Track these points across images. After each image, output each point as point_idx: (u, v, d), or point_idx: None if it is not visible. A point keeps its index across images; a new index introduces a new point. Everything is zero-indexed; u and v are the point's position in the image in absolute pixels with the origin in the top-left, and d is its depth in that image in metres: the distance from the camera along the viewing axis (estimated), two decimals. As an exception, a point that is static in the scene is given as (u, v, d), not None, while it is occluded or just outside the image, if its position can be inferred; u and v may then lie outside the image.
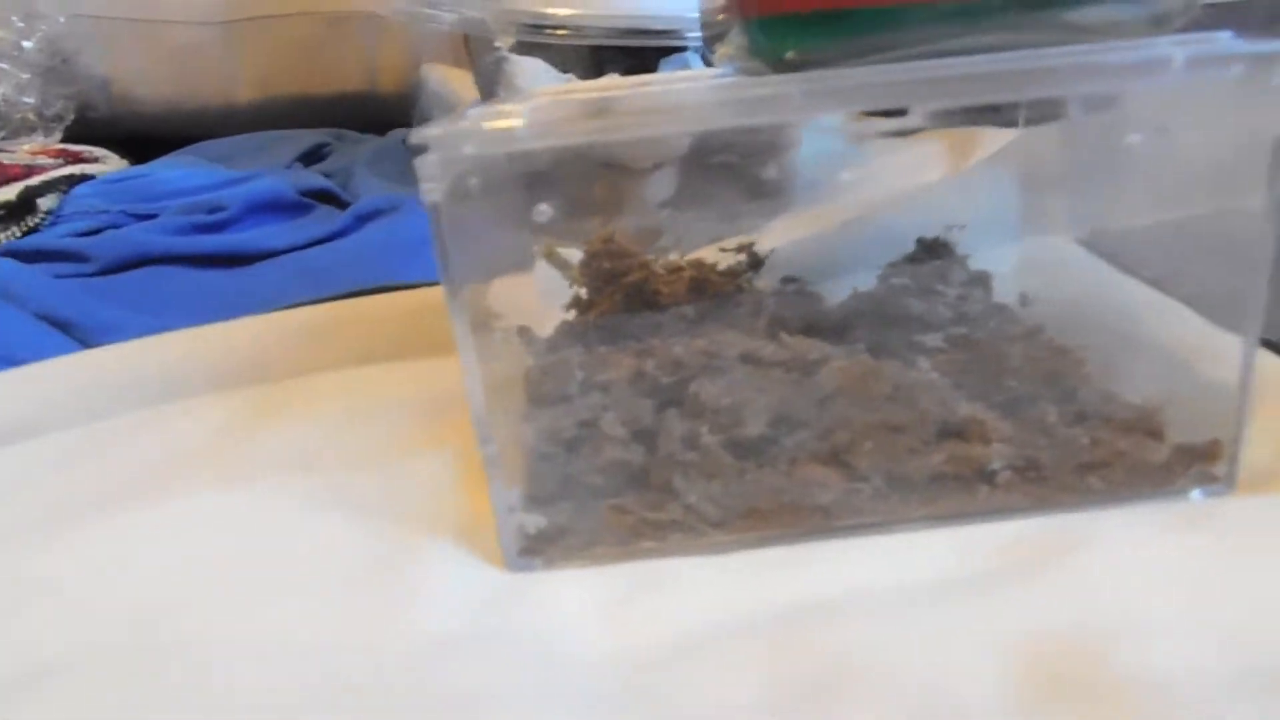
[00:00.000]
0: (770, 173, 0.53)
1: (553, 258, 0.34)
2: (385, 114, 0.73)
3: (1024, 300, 0.36)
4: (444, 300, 0.25)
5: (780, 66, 0.24)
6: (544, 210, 0.28)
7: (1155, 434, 0.28)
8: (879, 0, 0.23)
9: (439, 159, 0.22)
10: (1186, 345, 0.33)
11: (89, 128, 0.71)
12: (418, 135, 0.22)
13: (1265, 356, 0.34)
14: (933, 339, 0.32)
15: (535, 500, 0.27)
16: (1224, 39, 0.23)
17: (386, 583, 0.25)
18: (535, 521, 0.26)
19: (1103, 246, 0.42)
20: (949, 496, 0.27)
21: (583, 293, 0.34)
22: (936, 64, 0.23)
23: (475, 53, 0.49)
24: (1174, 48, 0.22)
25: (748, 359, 0.29)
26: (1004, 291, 0.36)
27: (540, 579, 0.25)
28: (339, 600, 0.25)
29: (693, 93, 0.25)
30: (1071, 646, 0.21)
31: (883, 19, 0.24)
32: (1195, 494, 0.27)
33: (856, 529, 0.26)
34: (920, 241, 0.37)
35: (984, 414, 0.28)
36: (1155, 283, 0.39)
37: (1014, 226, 0.42)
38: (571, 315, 0.34)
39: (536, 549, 0.26)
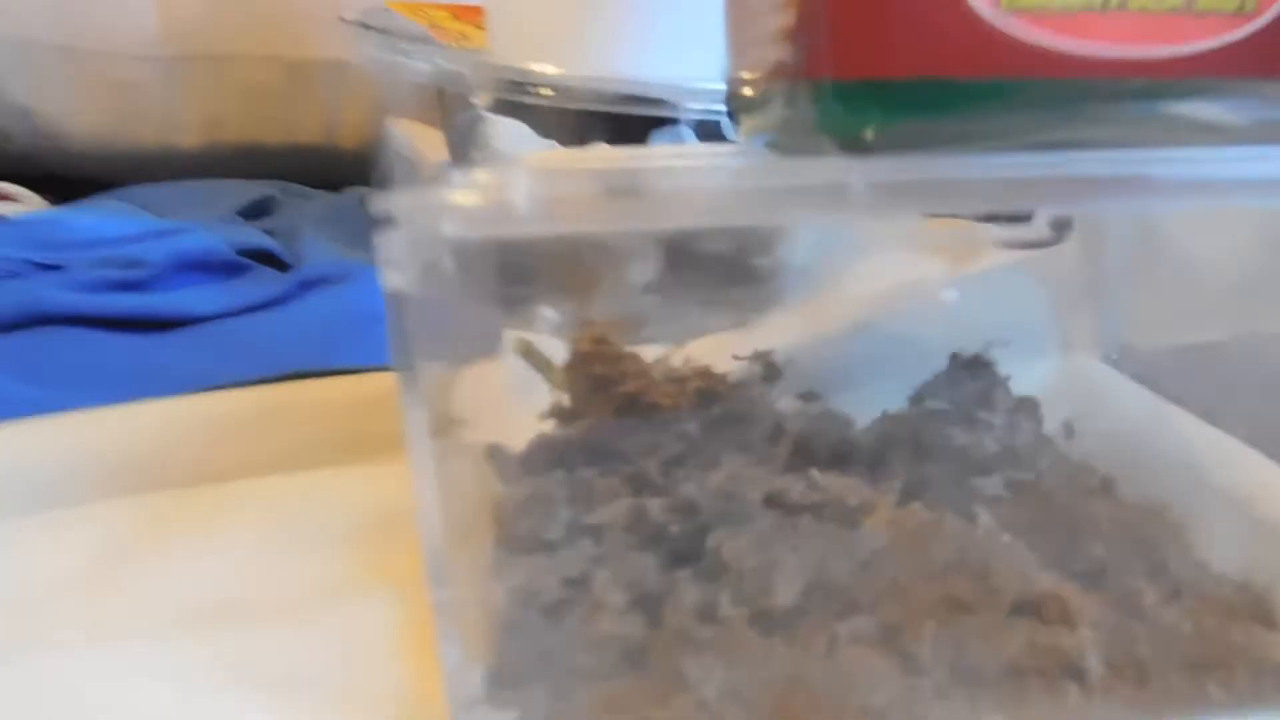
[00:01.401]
0: (763, 261, 0.48)
1: (531, 356, 0.29)
2: (343, 171, 0.67)
3: (1069, 432, 0.31)
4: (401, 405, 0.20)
5: (848, 146, 0.19)
6: (550, 316, 0.22)
7: (1268, 620, 0.23)
8: (998, 69, 0.18)
9: (410, 239, 0.17)
10: (1271, 498, 0.28)
11: (5, 161, 0.65)
12: (384, 204, 0.17)
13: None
14: (989, 484, 0.27)
15: (503, 684, 0.21)
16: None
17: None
18: (504, 717, 0.20)
19: (1134, 368, 0.38)
20: (1031, 699, 0.21)
21: (565, 400, 0.28)
22: (1033, 160, 0.18)
23: (449, 109, 0.44)
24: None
25: (774, 502, 0.23)
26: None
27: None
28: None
29: (738, 175, 0.20)
30: None
31: (982, 98, 0.19)
32: (1333, 706, 0.21)
33: (914, 740, 0.21)
34: (955, 358, 0.32)
35: (1063, 589, 0.23)
36: (1209, 416, 0.35)
37: (1041, 341, 0.38)
38: (549, 426, 0.28)
39: (501, 753, 0.20)
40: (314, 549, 0.27)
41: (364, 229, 0.52)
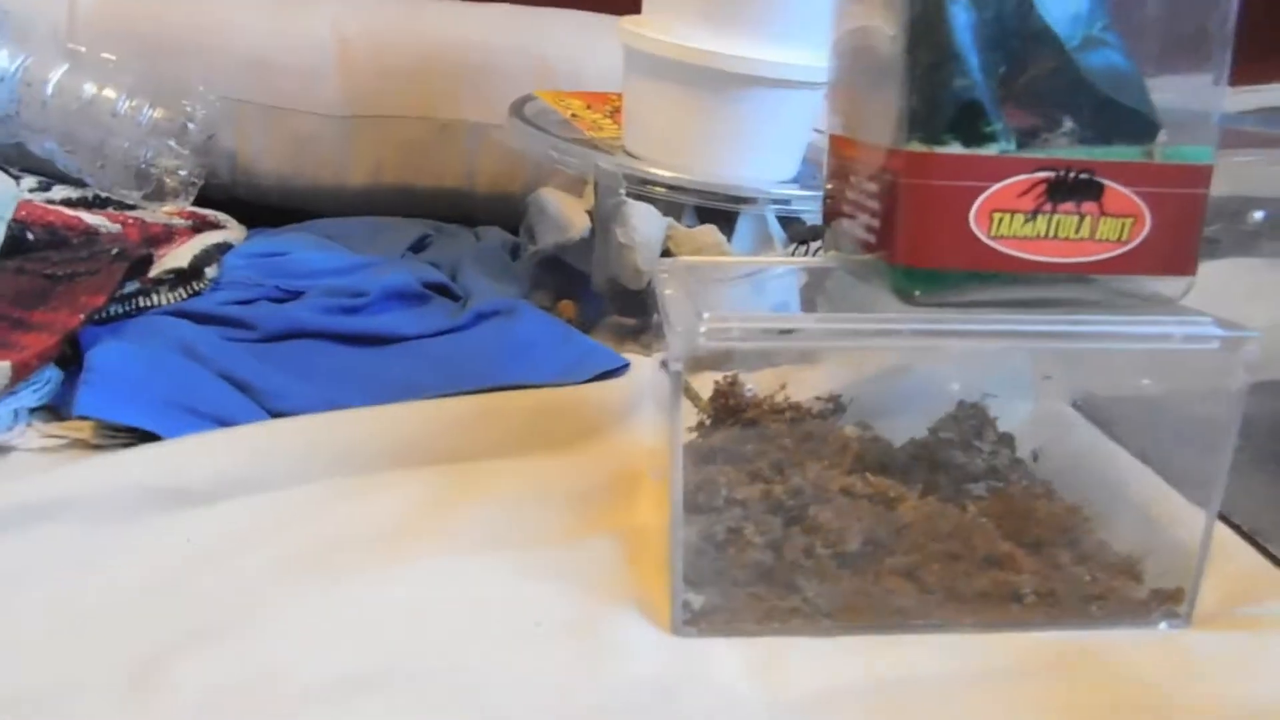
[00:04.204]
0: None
1: (688, 392, 0.45)
2: (478, 211, 0.83)
3: (1036, 456, 0.47)
4: (595, 404, 0.35)
5: (908, 299, 0.35)
6: (752, 389, 0.38)
7: (1137, 578, 0.39)
8: (987, 267, 0.34)
9: (686, 344, 0.33)
10: (1160, 509, 0.44)
11: (208, 191, 0.80)
12: (671, 330, 0.33)
13: (1220, 527, 0.45)
14: (977, 488, 0.42)
15: (693, 584, 0.37)
16: (1208, 321, 0.34)
17: (587, 639, 0.35)
18: (695, 600, 0.36)
19: (1092, 412, 0.54)
20: (990, 610, 0.37)
21: (706, 420, 0.44)
22: (1014, 319, 0.34)
23: (599, 193, 0.60)
24: (1175, 327, 0.34)
25: (846, 491, 0.39)
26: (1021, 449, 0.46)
27: (697, 644, 0.35)
28: (553, 652, 0.34)
29: (843, 321, 0.36)
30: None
31: (982, 277, 0.35)
32: (1162, 625, 0.37)
33: (923, 627, 0.37)
34: (961, 403, 0.47)
35: (1016, 551, 0.39)
36: (1138, 454, 0.50)
37: (1027, 390, 0.52)
38: (694, 437, 0.44)
39: (694, 621, 0.36)
40: (547, 508, 0.43)
41: (505, 266, 0.70)
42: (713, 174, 0.60)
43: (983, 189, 0.33)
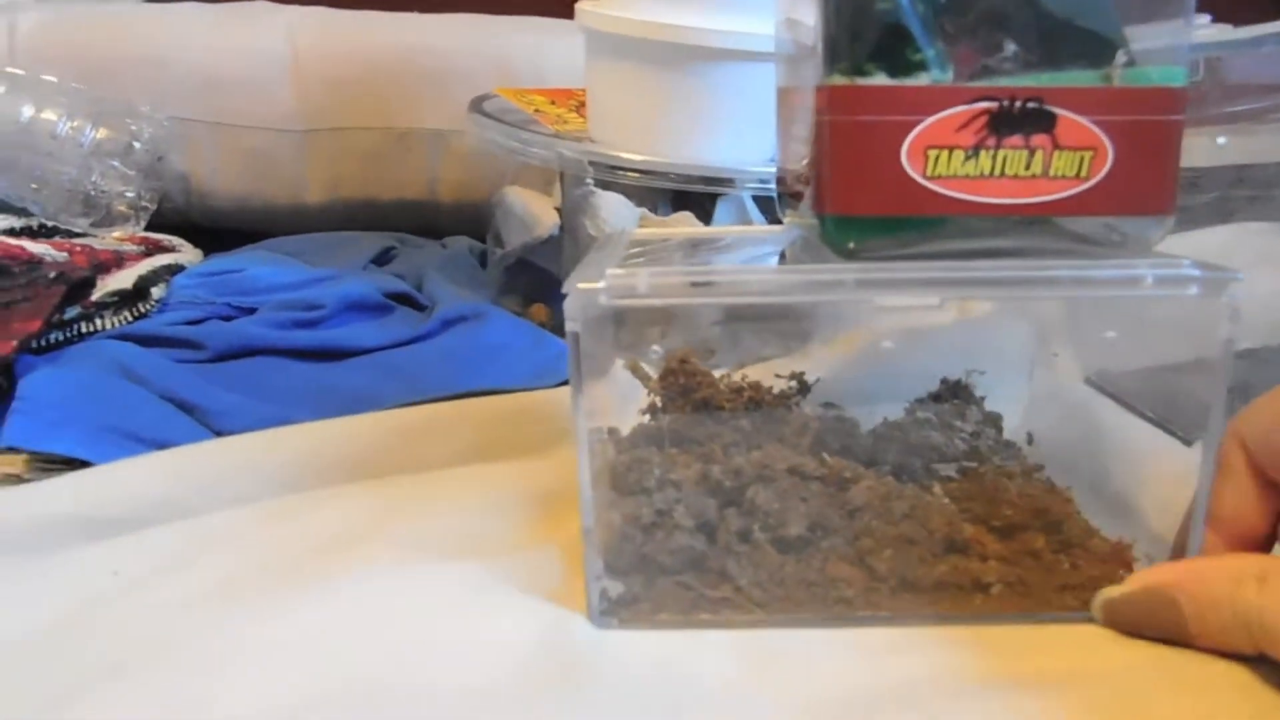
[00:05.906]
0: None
1: (636, 371, 0.43)
2: (442, 221, 0.82)
3: (1030, 439, 0.44)
4: (569, 406, 0.33)
5: (841, 253, 0.34)
6: (657, 350, 0.37)
7: (1126, 566, 0.36)
8: (923, 211, 0.32)
9: (581, 302, 0.31)
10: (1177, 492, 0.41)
11: (163, 217, 0.80)
12: (568, 285, 0.31)
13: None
14: (947, 468, 0.40)
15: (615, 571, 0.35)
16: (1185, 264, 0.32)
17: (509, 629, 0.33)
18: (615, 588, 0.34)
19: (1108, 386, 0.50)
20: (949, 600, 0.35)
21: (658, 401, 0.42)
22: (962, 266, 0.32)
23: (565, 185, 0.59)
24: (1147, 270, 0.32)
25: (794, 471, 0.37)
26: (1015, 431, 0.44)
27: (615, 635, 0.33)
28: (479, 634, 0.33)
29: (770, 273, 0.34)
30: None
31: (925, 225, 0.33)
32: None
33: (871, 620, 0.34)
34: (944, 381, 0.45)
35: (983, 536, 0.36)
36: (1158, 422, 0.46)
37: (1025, 368, 0.49)
38: (646, 419, 0.42)
39: (614, 610, 0.34)
40: (498, 517, 0.41)
41: (472, 273, 0.69)
42: (684, 156, 0.59)
43: (915, 123, 0.32)
